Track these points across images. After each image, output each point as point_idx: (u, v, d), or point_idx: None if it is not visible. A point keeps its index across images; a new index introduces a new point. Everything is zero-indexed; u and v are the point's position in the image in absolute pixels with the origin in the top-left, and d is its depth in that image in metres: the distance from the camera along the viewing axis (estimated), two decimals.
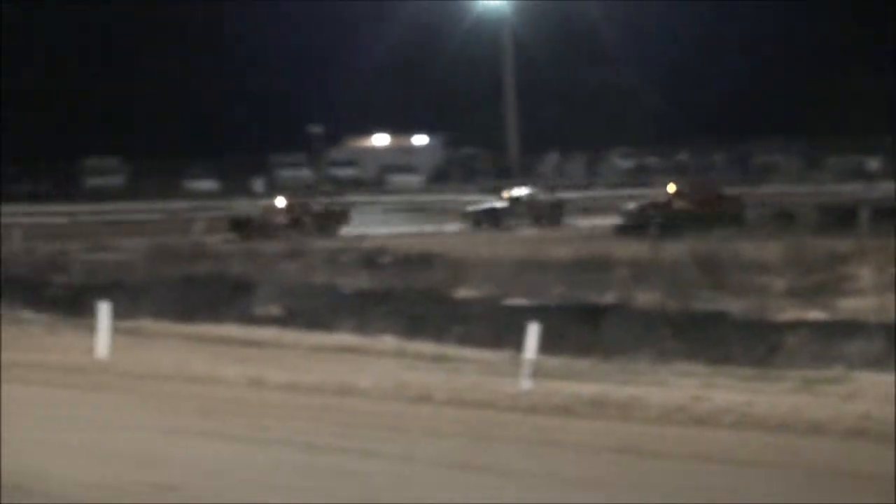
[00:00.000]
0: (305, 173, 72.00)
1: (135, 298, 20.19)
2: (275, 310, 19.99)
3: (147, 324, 19.97)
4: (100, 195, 59.90)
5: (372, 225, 43.52)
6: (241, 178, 69.80)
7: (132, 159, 72.54)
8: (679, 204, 39.64)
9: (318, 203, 47.73)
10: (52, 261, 27.03)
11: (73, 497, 9.80)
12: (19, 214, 48.61)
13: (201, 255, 25.78)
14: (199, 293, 20.99)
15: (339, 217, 45.24)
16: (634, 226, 36.41)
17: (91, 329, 18.10)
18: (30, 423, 12.79)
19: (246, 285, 20.95)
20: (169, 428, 12.71)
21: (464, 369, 15.84)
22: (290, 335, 18.97)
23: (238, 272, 22.42)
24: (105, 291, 18.61)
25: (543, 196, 48.68)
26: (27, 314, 22.69)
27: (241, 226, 42.79)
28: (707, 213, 36.54)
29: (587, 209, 46.67)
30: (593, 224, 40.73)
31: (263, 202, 49.43)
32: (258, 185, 69.21)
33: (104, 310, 17.74)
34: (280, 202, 46.43)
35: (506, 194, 47.75)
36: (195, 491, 9.86)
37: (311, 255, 24.26)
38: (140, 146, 70.87)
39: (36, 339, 19.76)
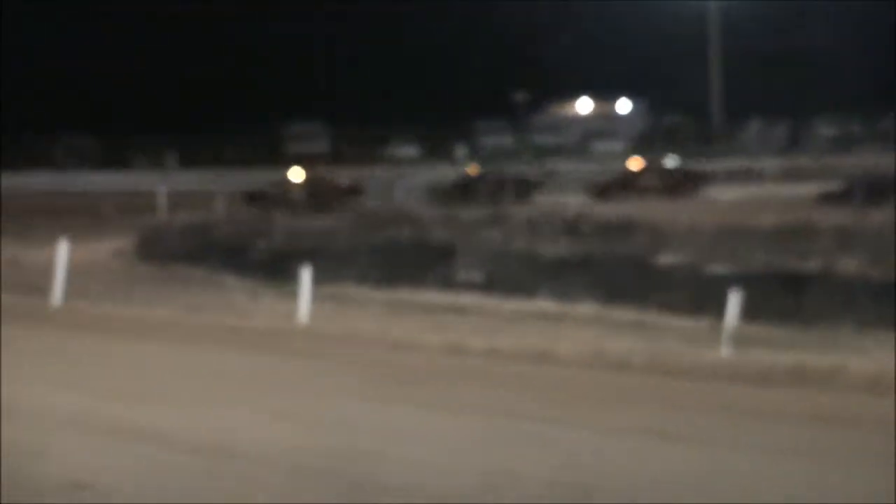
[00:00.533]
0: (507, 140, 72.51)
1: (336, 264, 20.30)
2: (475, 276, 19.98)
3: (348, 290, 20.01)
4: (303, 161, 61.17)
5: (573, 192, 43.31)
6: (444, 145, 70.61)
7: (335, 125, 73.91)
8: None
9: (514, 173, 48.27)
10: (255, 226, 27.31)
11: (275, 460, 9.89)
12: (223, 180, 50.15)
13: (403, 221, 25.84)
14: (400, 259, 21.06)
15: (532, 186, 45.30)
16: (839, 194, 35.62)
17: (293, 295, 18.16)
18: (231, 388, 13.10)
19: (446, 251, 20.96)
20: (368, 394, 12.75)
21: (663, 337, 15.55)
22: (490, 301, 18.89)
23: (439, 238, 22.47)
24: (307, 257, 18.77)
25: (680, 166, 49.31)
26: (230, 280, 22.94)
27: (253, 199, 43.02)
28: None
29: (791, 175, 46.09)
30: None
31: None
32: (460, 151, 69.91)
33: (306, 276, 17.81)
34: (296, 175, 46.75)
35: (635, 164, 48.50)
36: (386, 456, 9.88)
37: (511, 222, 24.13)
38: (343, 112, 72.09)
39: (239, 304, 19.83)
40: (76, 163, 69.69)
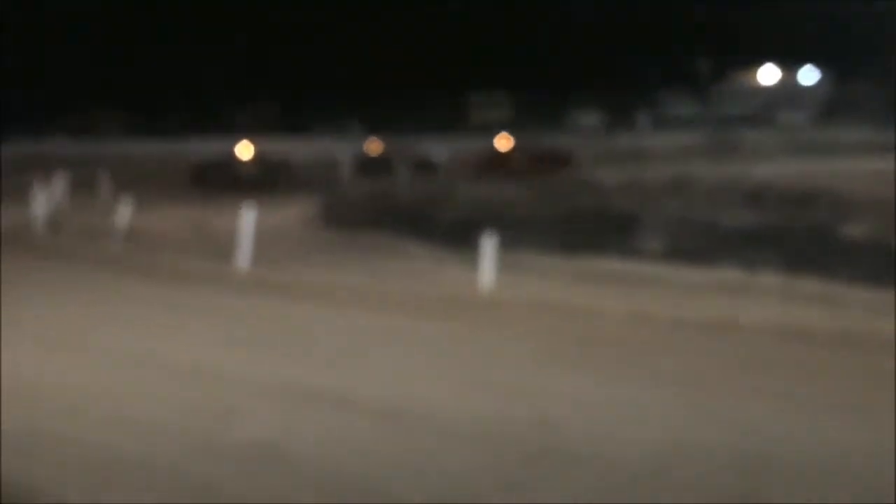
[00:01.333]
0: (690, 109, 71.70)
1: (517, 233, 20.30)
2: (656, 244, 19.80)
3: (529, 258, 19.90)
4: (486, 129, 61.28)
5: (756, 162, 42.23)
6: (626, 113, 70.20)
7: (518, 93, 73.96)
8: None
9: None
10: (438, 195, 27.47)
11: (463, 427, 9.95)
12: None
13: (583, 190, 25.68)
14: (581, 228, 20.93)
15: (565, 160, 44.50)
16: None
17: (475, 263, 18.15)
18: (417, 355, 13.29)
19: (627, 220, 20.80)
20: (552, 361, 12.77)
21: (848, 309, 15.17)
22: (673, 270, 18.63)
23: (619, 207, 22.24)
24: (488, 225, 18.84)
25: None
26: (414, 247, 23.01)
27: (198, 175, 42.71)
28: None
29: None
30: None
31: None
32: (643, 120, 69.49)
33: (489, 244, 17.84)
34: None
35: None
36: (570, 425, 9.85)
37: (693, 190, 23.79)
38: (525, 80, 72.08)
39: (422, 271, 19.97)
40: (259, 128, 71.45)
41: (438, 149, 49.31)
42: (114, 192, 33.76)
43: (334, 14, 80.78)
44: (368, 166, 45.04)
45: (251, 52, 79.79)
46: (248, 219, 20.82)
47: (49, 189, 29.96)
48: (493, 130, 54.55)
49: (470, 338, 14.47)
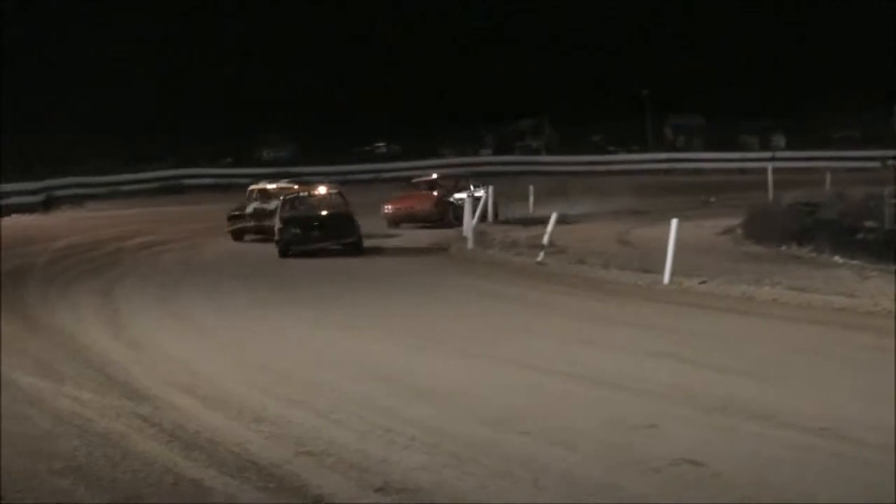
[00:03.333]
0: None
1: None
2: None
3: None
4: None
5: None
6: None
7: None
8: None
9: None
10: (864, 205, 27.06)
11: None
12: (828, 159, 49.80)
13: None
14: None
15: None
16: None
17: None
18: (843, 368, 13.16)
19: None
20: None
21: None
22: None
23: None
24: None
25: None
26: (838, 258, 22.78)
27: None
28: None
29: None
30: None
31: None
32: None
33: None
34: None
35: None
36: None
37: None
38: None
39: (843, 283, 19.38)
40: (685, 142, 72.13)
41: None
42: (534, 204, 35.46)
43: None
44: None
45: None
46: (672, 231, 21.03)
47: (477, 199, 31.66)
48: None
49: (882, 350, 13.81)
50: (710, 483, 8.60)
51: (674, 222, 21.19)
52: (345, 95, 78.35)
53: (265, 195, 34.36)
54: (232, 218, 34.39)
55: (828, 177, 40.88)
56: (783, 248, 25.00)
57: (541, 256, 24.05)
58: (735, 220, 30.15)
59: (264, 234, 31.05)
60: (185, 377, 13.70)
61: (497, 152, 72.59)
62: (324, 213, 29.52)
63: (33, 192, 50.65)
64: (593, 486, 8.55)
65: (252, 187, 36.93)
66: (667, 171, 62.75)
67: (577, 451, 9.52)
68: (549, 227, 25.08)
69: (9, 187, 49.04)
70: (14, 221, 42.62)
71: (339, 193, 31.48)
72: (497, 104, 76.40)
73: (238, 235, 33.75)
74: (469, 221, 28.87)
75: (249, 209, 33.76)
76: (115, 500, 9.00)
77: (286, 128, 75.14)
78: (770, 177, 41.51)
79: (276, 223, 28.99)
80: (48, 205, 49.76)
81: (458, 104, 75.56)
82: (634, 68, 77.67)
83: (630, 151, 70.39)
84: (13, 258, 28.39)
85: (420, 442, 9.74)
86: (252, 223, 33.10)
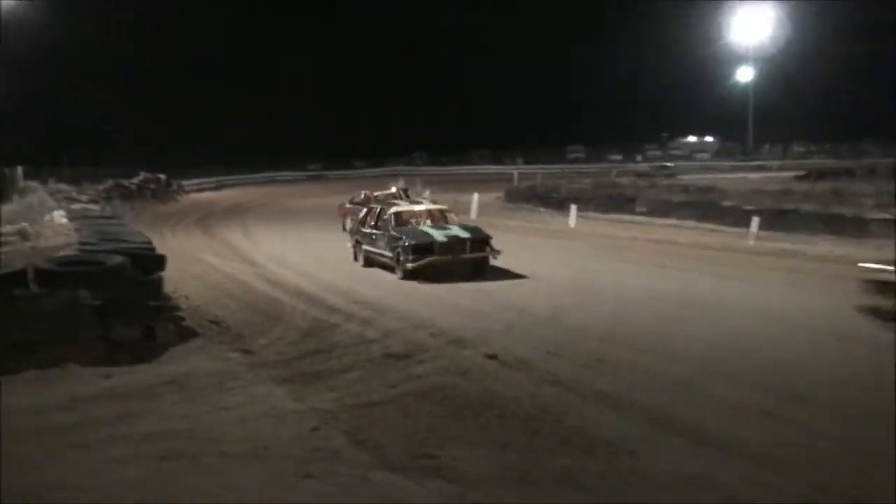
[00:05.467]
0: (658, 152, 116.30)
1: (586, 202, 42.83)
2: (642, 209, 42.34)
3: (591, 213, 41.83)
4: None
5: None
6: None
7: None
8: None
9: None
10: (552, 185, 52.67)
11: (565, 285, 22.33)
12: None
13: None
14: (615, 199, 43.30)
15: None
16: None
17: (567, 215, 39.75)
18: (537, 254, 27.23)
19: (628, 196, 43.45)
20: (599, 255, 27.18)
21: (712, 231, 36.87)
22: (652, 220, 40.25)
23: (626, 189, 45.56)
24: (573, 199, 41.49)
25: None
26: (541, 209, 47.61)
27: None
28: None
29: None
30: None
31: None
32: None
33: (573, 207, 39.57)
34: None
35: None
36: (602, 280, 22.83)
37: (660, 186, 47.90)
38: None
39: (543, 218, 41.93)
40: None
41: None
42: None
43: None
44: None
45: None
46: (475, 197, 43.58)
47: None
48: None
49: (564, 247, 30.27)
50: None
51: (476, 195, 44.07)
52: None
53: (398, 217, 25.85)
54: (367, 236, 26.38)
55: (539, 176, 66.63)
56: (521, 204, 49.60)
57: None
58: (500, 193, 54.98)
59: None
60: (277, 258, 28.54)
61: None
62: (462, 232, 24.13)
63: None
64: None
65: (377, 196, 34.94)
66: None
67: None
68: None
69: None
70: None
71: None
72: None
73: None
74: None
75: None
76: (240, 306, 19.39)
77: None
78: (516, 176, 68.51)
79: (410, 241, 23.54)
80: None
81: None
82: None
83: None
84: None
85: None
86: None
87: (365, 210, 28.21)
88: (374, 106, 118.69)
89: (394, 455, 9.77)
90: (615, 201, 42.99)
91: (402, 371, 13.50)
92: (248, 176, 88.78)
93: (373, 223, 26.45)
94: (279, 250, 31.02)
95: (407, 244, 23.72)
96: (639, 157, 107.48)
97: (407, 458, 9.68)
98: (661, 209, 40.10)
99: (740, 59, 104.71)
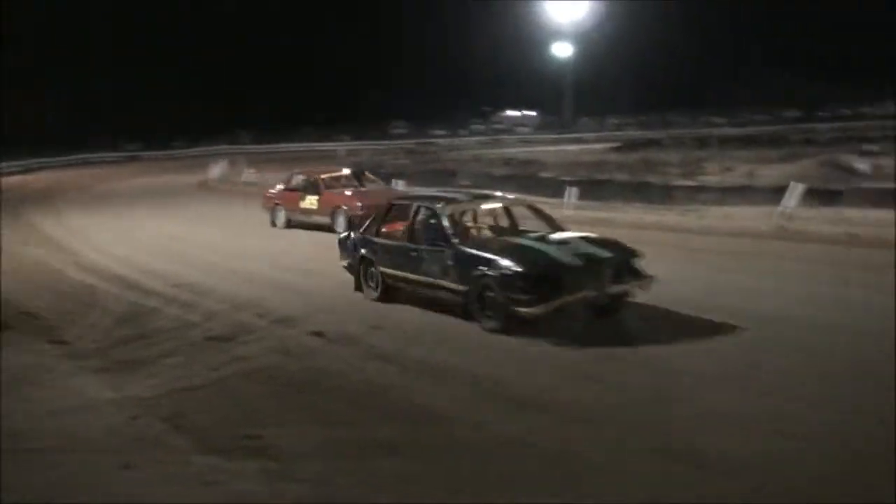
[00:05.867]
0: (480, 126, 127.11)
1: (410, 177, 44.19)
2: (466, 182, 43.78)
3: (417, 188, 42.66)
4: None
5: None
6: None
7: None
8: None
9: None
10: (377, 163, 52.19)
11: None
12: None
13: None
14: (439, 174, 44.56)
15: None
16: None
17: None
18: None
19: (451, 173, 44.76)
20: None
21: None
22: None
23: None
24: (398, 175, 43.23)
25: None
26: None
27: None
28: None
29: None
30: None
31: None
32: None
33: (401, 182, 40.44)
34: None
35: None
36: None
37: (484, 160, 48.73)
38: None
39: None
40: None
41: None
42: None
43: None
44: None
45: None
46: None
47: None
48: None
49: None
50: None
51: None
52: None
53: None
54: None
55: (366, 152, 68.87)
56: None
57: None
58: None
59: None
60: (93, 244, 26.54)
61: None
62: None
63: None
64: None
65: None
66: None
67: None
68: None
69: None
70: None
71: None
72: None
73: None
74: None
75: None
76: (57, 297, 18.45)
77: None
78: (342, 152, 68.61)
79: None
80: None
81: None
82: None
83: None
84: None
85: None
86: None
87: (384, 209, 17.44)
88: (194, 84, 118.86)
89: (216, 438, 9.71)
90: (439, 175, 43.54)
91: (225, 353, 13.40)
92: (61, 158, 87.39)
93: (403, 231, 16.71)
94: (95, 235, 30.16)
95: (511, 272, 13.81)
96: (462, 132, 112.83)
97: (230, 440, 9.61)
98: (483, 183, 39.98)
99: (557, 35, 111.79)
